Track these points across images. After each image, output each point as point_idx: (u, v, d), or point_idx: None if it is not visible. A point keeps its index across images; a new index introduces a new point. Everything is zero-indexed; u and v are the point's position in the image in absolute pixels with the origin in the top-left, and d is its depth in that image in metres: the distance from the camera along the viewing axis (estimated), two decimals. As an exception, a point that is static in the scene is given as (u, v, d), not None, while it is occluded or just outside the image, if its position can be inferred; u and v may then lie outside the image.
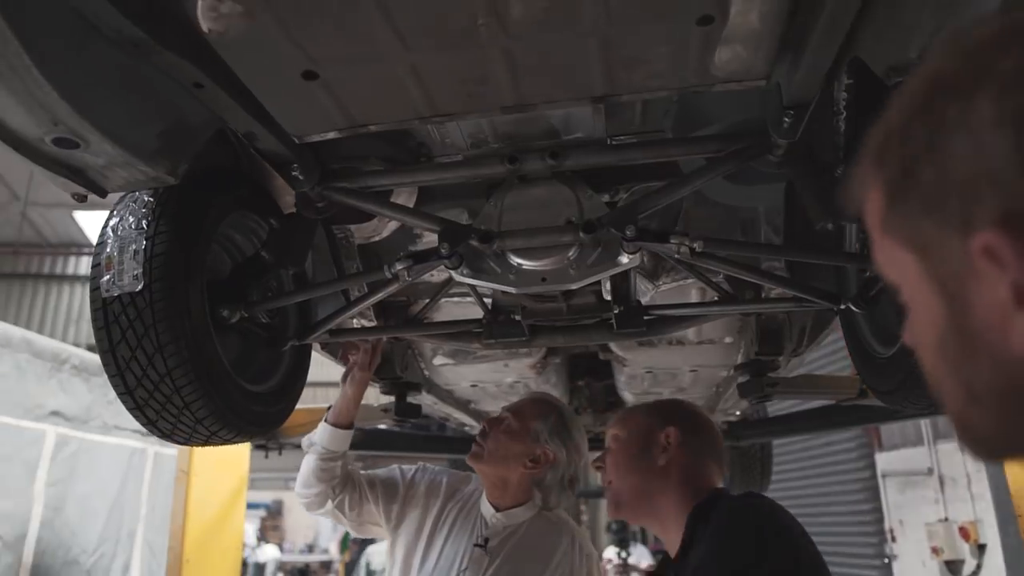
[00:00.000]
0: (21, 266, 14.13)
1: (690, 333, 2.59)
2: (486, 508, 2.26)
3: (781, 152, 1.55)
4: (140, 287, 1.48)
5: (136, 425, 1.68)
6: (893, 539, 7.43)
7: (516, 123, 1.61)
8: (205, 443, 1.74)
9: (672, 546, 1.67)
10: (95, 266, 1.55)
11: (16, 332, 3.94)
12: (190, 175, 1.51)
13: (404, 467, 2.43)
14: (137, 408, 1.58)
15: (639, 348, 2.73)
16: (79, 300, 13.74)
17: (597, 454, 1.87)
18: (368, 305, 1.98)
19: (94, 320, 1.54)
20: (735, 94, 1.40)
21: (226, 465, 5.64)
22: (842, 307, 1.67)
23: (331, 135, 1.50)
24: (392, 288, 1.82)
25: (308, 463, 2.24)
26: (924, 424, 6.83)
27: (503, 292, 1.93)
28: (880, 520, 7.66)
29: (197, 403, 1.56)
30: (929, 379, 0.56)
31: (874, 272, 1.50)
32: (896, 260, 0.55)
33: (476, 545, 2.17)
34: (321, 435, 2.23)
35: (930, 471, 6.98)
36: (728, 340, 2.66)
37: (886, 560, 7.40)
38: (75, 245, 13.87)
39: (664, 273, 2.16)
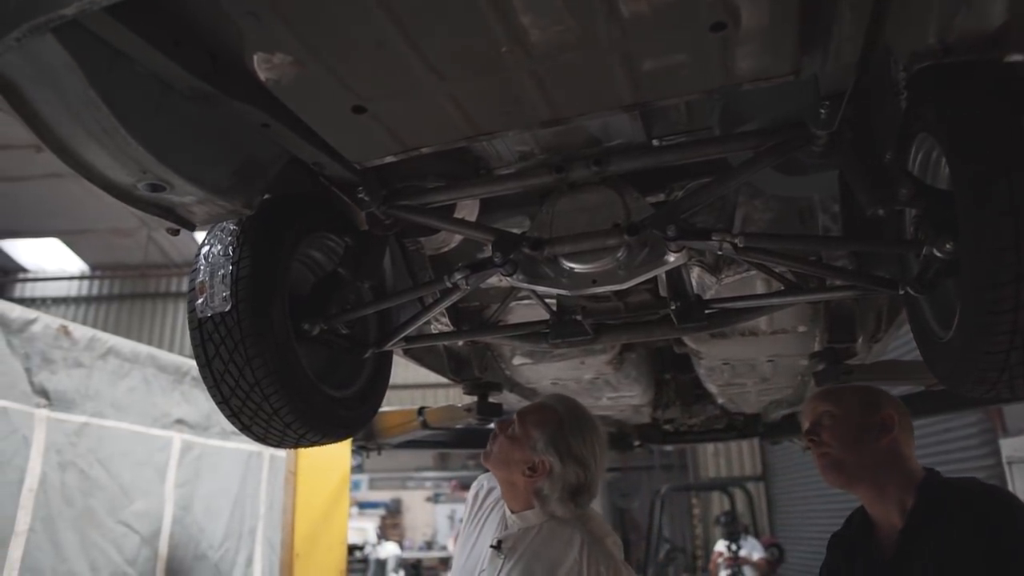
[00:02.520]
0: (151, 286, 15.28)
1: (762, 323, 2.57)
2: (507, 508, 2.25)
3: (823, 142, 1.56)
4: (229, 307, 1.63)
5: (251, 430, 1.83)
6: (1024, 530, 6.94)
7: (557, 135, 1.67)
8: (295, 445, 1.89)
9: (883, 515, 1.90)
10: (191, 290, 1.70)
11: (143, 349, 4.31)
12: (268, 203, 1.68)
13: None
14: (233, 415, 1.74)
15: (712, 340, 2.72)
16: (202, 315, 14.73)
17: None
18: (437, 312, 2.10)
19: (192, 338, 1.70)
20: (778, 87, 1.41)
21: (329, 466, 5.91)
22: (901, 292, 1.65)
23: (388, 159, 1.61)
24: (457, 295, 1.91)
25: None
26: (1052, 406, 6.35)
27: (559, 294, 2.00)
28: (1008, 510, 7.17)
29: (284, 409, 1.70)
30: None
31: (929, 254, 1.47)
32: None
33: (491, 546, 2.17)
34: None
35: (1061, 457, 6.49)
36: (802, 329, 2.61)
37: (1017, 552, 6.91)
38: (197, 264, 14.84)
39: (726, 267, 2.16)
